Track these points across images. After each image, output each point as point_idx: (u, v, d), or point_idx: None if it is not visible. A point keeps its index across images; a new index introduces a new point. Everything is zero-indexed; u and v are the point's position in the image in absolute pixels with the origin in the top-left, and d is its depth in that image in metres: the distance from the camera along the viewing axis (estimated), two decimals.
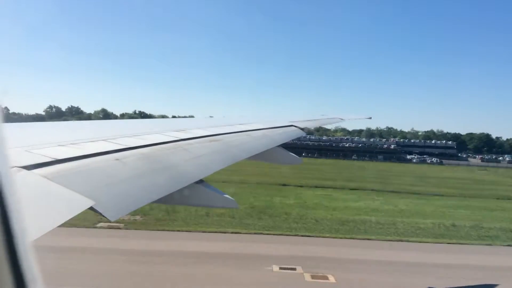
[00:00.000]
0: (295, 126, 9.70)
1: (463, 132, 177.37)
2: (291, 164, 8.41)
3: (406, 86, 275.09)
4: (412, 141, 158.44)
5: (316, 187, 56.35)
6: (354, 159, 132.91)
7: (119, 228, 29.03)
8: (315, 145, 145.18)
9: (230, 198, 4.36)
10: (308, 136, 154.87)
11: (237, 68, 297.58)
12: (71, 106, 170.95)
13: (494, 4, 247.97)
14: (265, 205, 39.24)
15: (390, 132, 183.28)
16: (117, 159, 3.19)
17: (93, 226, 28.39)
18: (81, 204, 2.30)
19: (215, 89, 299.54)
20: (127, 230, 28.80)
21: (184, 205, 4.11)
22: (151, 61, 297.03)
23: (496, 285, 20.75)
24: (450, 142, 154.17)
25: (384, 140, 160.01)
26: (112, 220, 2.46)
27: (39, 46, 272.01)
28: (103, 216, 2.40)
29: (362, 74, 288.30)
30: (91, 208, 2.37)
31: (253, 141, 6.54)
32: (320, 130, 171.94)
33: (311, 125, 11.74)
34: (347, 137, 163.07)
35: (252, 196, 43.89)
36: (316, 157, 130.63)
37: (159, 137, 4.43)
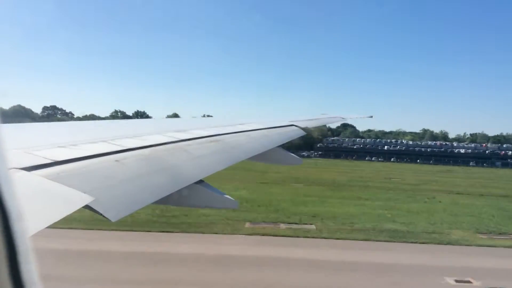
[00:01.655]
0: (296, 126, 9.69)
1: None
2: (291, 165, 8.39)
3: (407, 86, 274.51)
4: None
5: None
6: (465, 165, 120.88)
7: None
8: (418, 151, 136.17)
9: (231, 198, 4.36)
10: (383, 141, 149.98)
11: (238, 68, 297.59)
12: (137, 110, 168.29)
13: None
14: None
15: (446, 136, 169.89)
16: (117, 160, 3.20)
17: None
18: (80, 200, 2.30)
19: (215, 89, 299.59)
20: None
21: (184, 206, 4.11)
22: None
23: None
24: None
25: (502, 145, 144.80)
26: (113, 220, 2.46)
27: (103, 52, 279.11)
28: (104, 216, 2.40)
29: (363, 74, 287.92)
30: (93, 210, 2.37)
31: (254, 142, 6.54)
32: (380, 135, 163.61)
33: (312, 125, 11.72)
34: (438, 142, 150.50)
35: None
36: (417, 163, 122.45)
37: (159, 138, 4.43)
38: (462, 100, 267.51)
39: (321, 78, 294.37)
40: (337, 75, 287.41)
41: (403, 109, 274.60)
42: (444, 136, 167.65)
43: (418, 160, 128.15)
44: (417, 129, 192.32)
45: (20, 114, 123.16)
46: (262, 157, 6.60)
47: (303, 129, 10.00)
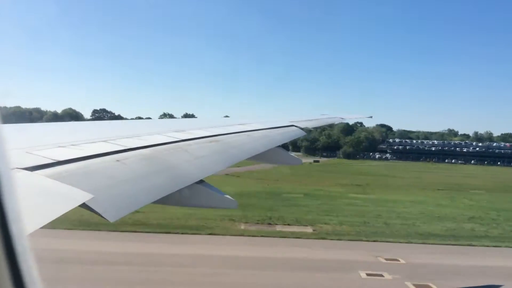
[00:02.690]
0: (296, 126, 9.69)
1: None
2: (291, 165, 8.40)
3: (407, 87, 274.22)
4: None
5: None
6: None
7: None
8: (498, 153, 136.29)
9: (231, 198, 4.36)
10: (452, 142, 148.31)
11: (238, 69, 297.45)
12: (186, 113, 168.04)
13: None
14: None
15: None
16: (117, 160, 3.20)
17: None
18: (79, 198, 2.31)
19: (215, 90, 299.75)
20: None
21: (184, 206, 4.11)
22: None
23: (500, 286, 20.66)
24: None
25: None
26: (112, 221, 2.46)
27: (158, 54, 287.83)
28: (102, 216, 2.40)
29: (362, 75, 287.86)
30: (91, 209, 2.37)
31: (253, 142, 6.55)
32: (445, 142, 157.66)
33: (312, 125, 11.73)
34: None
35: None
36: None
37: (159, 138, 4.44)
38: (462, 100, 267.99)
39: (321, 78, 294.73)
40: (337, 75, 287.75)
41: (402, 109, 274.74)
42: (489, 137, 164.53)
43: (498, 163, 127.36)
44: (416, 129, 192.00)
45: (71, 117, 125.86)
46: (262, 157, 6.61)
47: (303, 129, 10.02)
